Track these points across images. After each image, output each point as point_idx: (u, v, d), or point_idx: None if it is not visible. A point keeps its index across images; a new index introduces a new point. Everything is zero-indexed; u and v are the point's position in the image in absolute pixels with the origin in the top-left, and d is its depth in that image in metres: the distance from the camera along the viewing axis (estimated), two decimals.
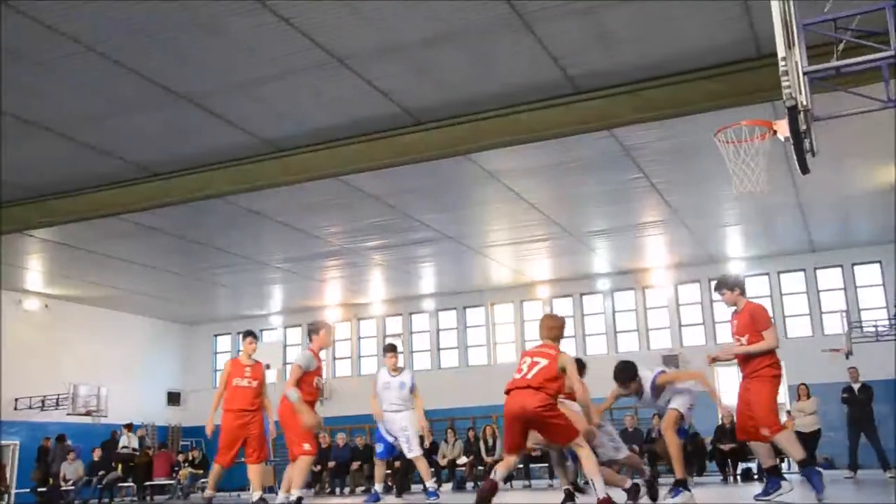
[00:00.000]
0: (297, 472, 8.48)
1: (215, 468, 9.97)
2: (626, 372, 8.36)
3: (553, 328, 7.12)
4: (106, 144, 12.40)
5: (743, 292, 8.03)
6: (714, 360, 8.11)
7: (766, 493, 7.91)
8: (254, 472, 9.64)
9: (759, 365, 7.65)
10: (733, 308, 8.07)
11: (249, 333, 10.00)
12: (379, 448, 11.02)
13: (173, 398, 25.65)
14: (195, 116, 11.49)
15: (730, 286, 8.05)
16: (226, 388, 9.67)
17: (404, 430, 10.64)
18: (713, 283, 9.81)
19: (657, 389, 8.37)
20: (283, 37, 9.49)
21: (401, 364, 10.97)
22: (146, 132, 12.06)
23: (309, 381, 8.51)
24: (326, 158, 12.49)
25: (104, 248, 17.76)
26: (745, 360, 7.76)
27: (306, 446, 8.44)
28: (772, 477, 8.00)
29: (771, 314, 8.10)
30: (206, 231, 17.08)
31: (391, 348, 11.03)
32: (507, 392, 6.83)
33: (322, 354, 8.88)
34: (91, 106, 11.11)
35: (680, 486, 8.19)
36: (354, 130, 12.03)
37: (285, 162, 12.72)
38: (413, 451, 10.66)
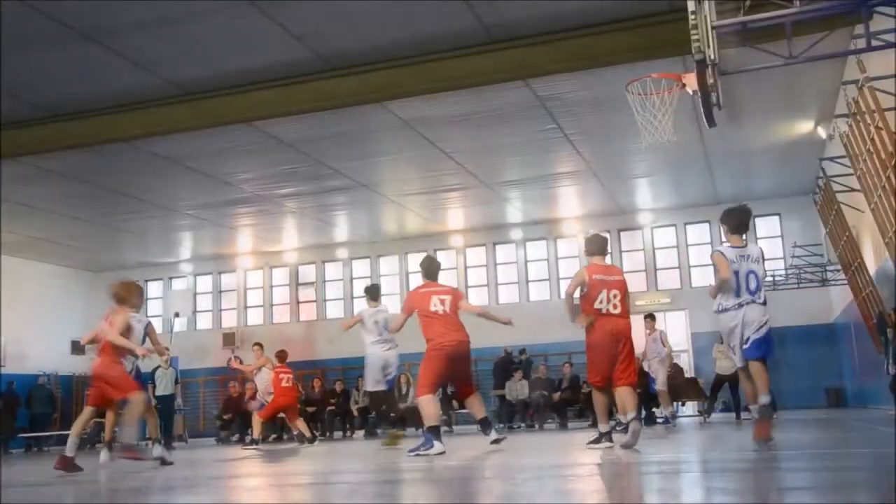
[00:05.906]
0: None
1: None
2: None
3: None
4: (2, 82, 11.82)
5: None
6: None
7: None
8: None
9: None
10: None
11: None
12: None
13: (78, 347, 24.96)
14: (99, 56, 11.04)
15: None
16: None
17: None
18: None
19: None
20: None
21: None
22: (46, 71, 11.52)
23: None
24: (238, 103, 12.22)
25: (3, 192, 16.99)
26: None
27: None
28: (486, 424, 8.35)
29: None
30: (111, 176, 16.51)
31: None
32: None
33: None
34: None
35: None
36: (267, 75, 11.77)
37: (195, 106, 12.38)
38: None
